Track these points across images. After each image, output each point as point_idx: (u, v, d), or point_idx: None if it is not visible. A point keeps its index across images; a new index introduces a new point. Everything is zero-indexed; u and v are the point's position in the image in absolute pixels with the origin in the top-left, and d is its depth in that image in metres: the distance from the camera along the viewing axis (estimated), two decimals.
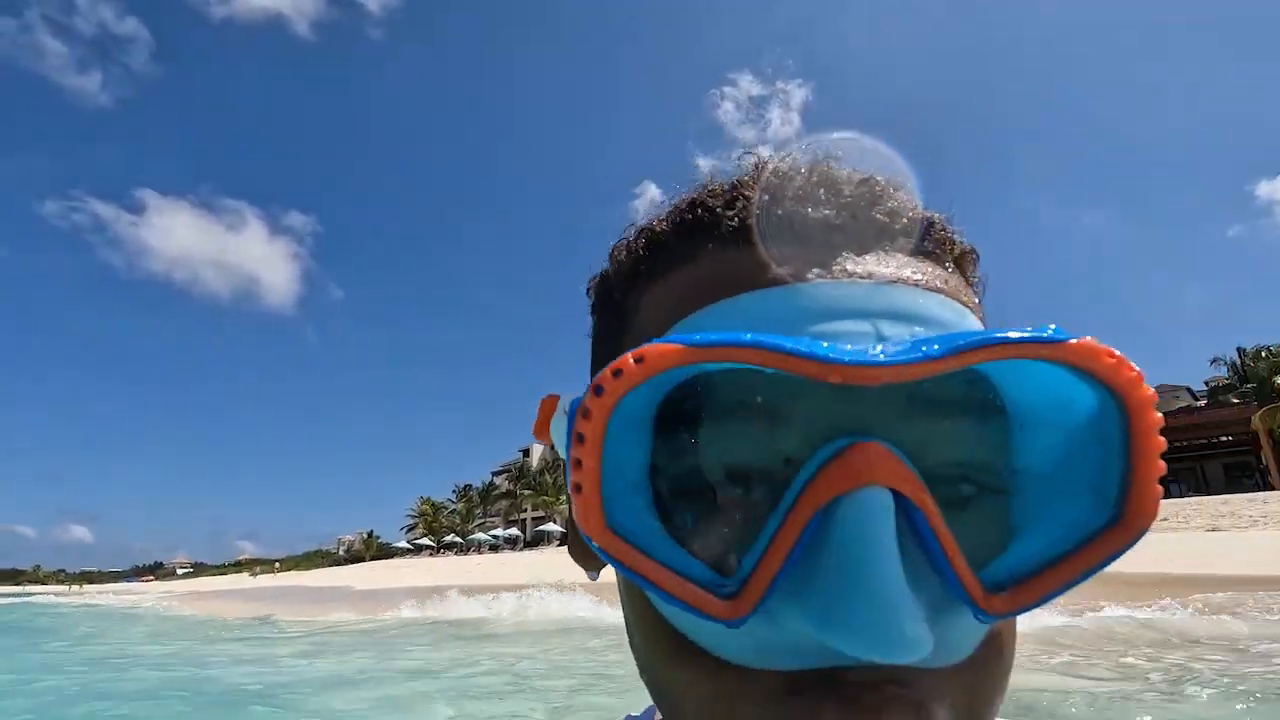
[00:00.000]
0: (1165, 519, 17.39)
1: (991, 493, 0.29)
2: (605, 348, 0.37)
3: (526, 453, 78.40)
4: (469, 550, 63.22)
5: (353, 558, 75.13)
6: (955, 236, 0.35)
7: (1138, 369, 0.25)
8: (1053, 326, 0.24)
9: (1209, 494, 32.57)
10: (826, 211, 0.31)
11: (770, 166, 0.34)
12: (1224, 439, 42.91)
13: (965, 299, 0.32)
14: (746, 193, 0.33)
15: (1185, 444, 45.02)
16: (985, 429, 0.28)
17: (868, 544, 0.23)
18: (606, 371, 0.24)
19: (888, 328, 0.27)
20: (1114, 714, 4.19)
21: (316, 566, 70.62)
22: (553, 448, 0.34)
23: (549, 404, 0.34)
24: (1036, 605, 0.27)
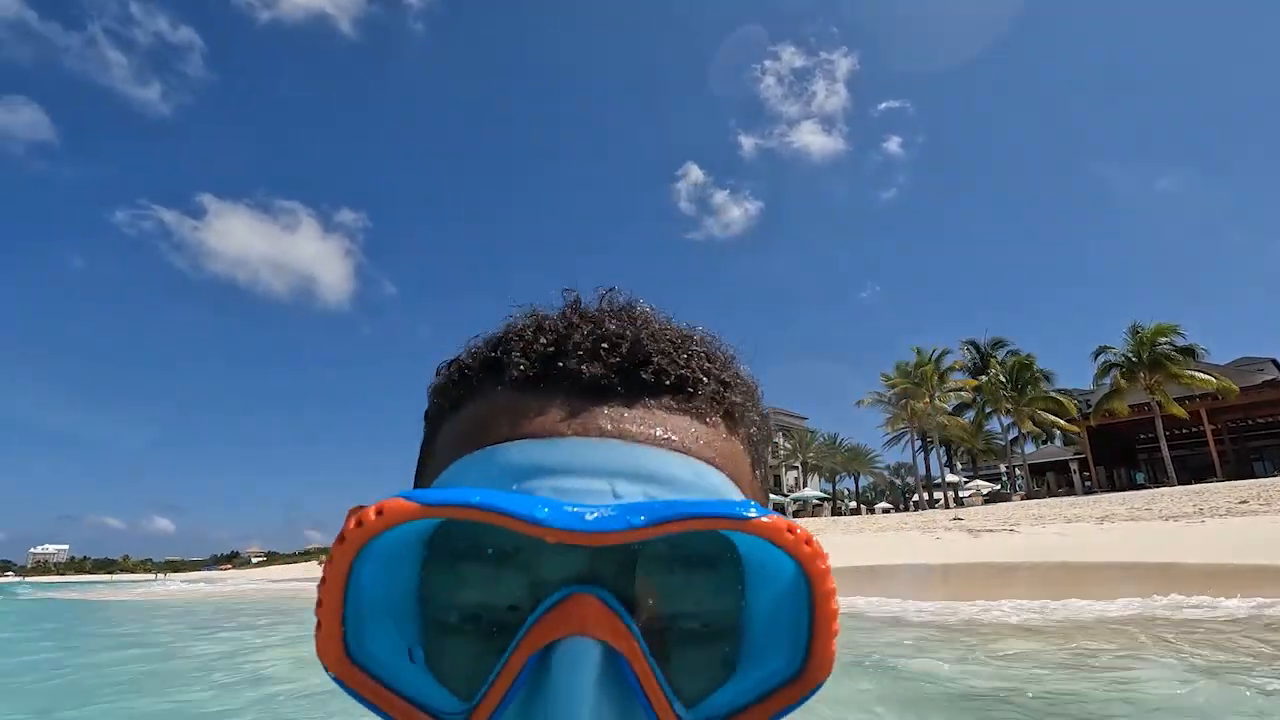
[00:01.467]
0: (1245, 500, 16.45)
1: (720, 633, 0.32)
2: (421, 458, 0.41)
3: None
4: None
5: None
6: (727, 392, 0.38)
7: (816, 543, 0.29)
8: (753, 506, 0.28)
9: None
10: (597, 370, 0.34)
11: (562, 318, 0.38)
12: None
13: (716, 455, 0.35)
14: (543, 338, 0.37)
15: (1270, 420, 42.43)
16: (716, 576, 0.32)
17: (566, 688, 0.27)
18: (351, 520, 0.28)
19: (623, 486, 0.31)
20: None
21: None
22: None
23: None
24: None
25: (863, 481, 68.77)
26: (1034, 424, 42.91)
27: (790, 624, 0.31)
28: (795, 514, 50.32)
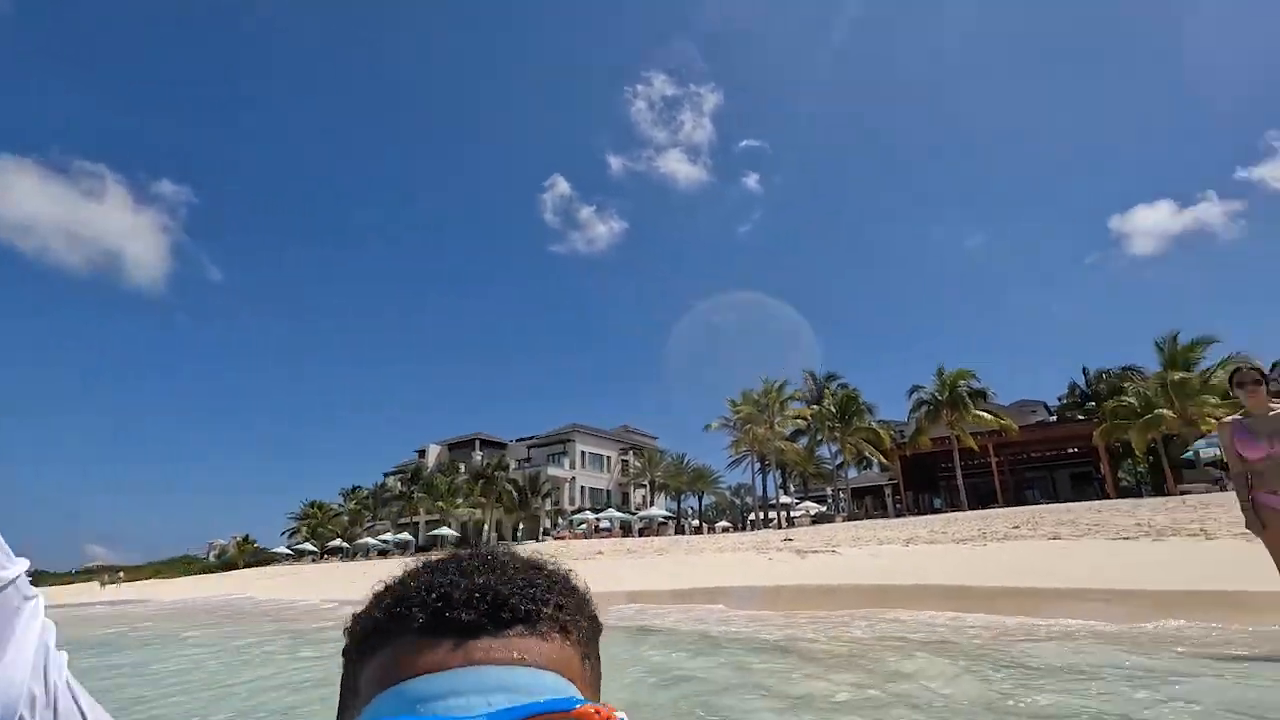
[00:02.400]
0: (1018, 526, 19.16)
1: None
2: (342, 694, 0.53)
3: (422, 454, 75.57)
4: (355, 556, 60.10)
5: (225, 565, 69.65)
6: (560, 612, 0.52)
7: None
8: (578, 701, 0.42)
9: (1058, 501, 36.35)
10: (473, 615, 0.48)
11: (445, 574, 0.53)
12: (1071, 451, 47.84)
13: (551, 663, 0.49)
14: (434, 595, 0.50)
15: (1040, 455, 49.91)
16: None
17: None
18: None
19: (494, 698, 0.43)
20: None
21: (183, 574, 64.47)
22: None
23: None
24: None
25: (705, 500, 71.67)
26: (855, 452, 47.20)
27: None
28: (641, 531, 51.23)
